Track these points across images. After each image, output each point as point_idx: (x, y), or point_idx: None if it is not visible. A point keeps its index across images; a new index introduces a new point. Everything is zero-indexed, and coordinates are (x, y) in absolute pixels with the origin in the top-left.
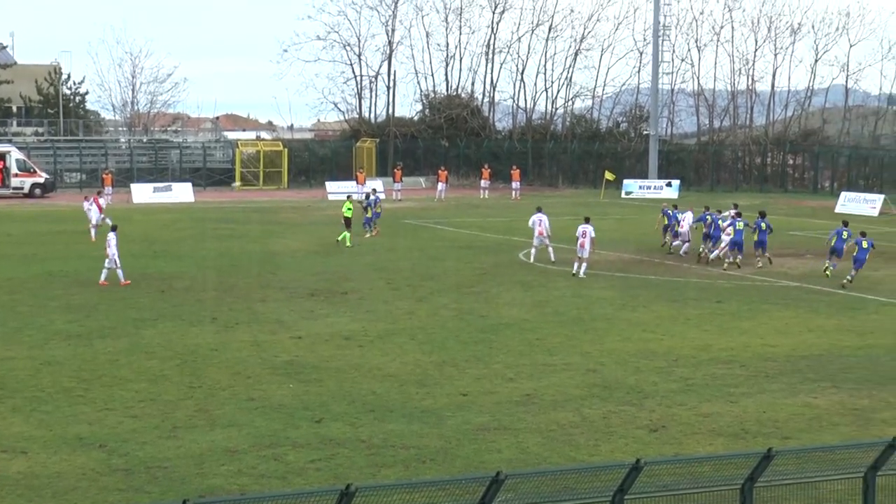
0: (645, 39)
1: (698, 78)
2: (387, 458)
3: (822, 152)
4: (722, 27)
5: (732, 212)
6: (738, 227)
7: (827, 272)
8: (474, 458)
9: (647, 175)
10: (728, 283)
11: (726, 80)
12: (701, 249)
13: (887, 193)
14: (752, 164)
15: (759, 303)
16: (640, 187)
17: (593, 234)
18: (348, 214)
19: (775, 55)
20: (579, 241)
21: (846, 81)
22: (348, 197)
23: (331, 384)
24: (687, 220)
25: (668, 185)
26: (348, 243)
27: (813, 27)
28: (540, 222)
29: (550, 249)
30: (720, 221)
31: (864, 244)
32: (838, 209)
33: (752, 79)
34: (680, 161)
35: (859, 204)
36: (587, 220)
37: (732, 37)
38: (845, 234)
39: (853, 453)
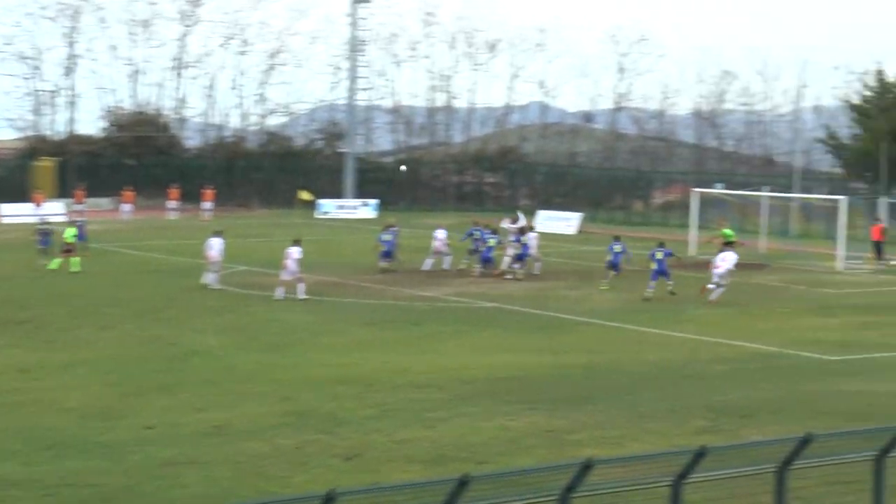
0: (341, 54)
1: (396, 94)
2: (64, 499)
3: (519, 170)
4: (419, 42)
5: (514, 226)
6: (522, 242)
7: (602, 287)
8: (159, 494)
9: (344, 194)
10: (426, 305)
11: (424, 97)
12: (465, 265)
13: (584, 212)
14: (451, 182)
15: (457, 324)
16: (337, 207)
17: (297, 256)
18: (70, 240)
19: (473, 71)
20: (284, 263)
21: (543, 98)
22: (72, 222)
23: (5, 421)
24: (440, 236)
25: (365, 204)
26: (75, 268)
27: (510, 43)
28: (211, 247)
29: (212, 276)
30: (489, 239)
31: (660, 255)
32: (537, 228)
33: (451, 95)
34: (377, 179)
35: (557, 222)
36: (296, 243)
37: (430, 52)
38: (618, 247)
39: (547, 475)
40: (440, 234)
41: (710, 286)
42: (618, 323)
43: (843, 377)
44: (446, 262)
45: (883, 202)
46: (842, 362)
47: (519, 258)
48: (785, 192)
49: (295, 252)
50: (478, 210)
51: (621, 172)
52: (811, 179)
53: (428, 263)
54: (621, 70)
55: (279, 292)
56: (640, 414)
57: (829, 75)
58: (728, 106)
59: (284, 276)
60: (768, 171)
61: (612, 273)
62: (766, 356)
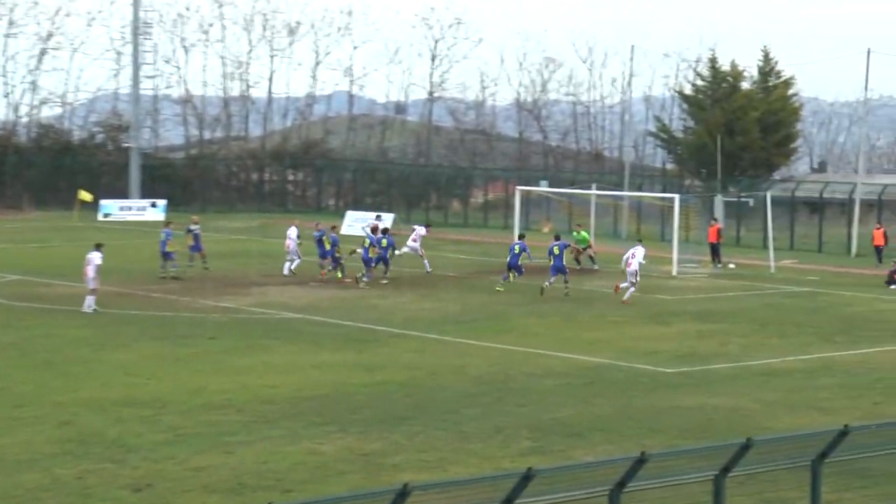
0: (123, 38)
1: (186, 82)
2: None
3: (325, 167)
4: (211, 25)
5: (368, 228)
6: (383, 245)
7: (498, 287)
8: None
9: (129, 194)
10: (224, 317)
11: (218, 86)
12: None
13: (396, 212)
14: (249, 180)
15: (258, 338)
16: (121, 208)
17: (98, 262)
18: None
19: (272, 57)
20: (85, 270)
21: (350, 87)
22: None
23: None
24: (292, 235)
25: (153, 205)
26: None
27: (313, 26)
28: None
29: None
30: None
31: (556, 250)
32: (345, 230)
33: (247, 84)
34: (166, 177)
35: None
36: (97, 247)
37: (223, 36)
38: (517, 248)
39: (361, 502)
40: (293, 232)
41: (624, 285)
42: (437, 334)
43: (680, 390)
44: (294, 265)
45: (719, 201)
46: (678, 374)
47: (371, 262)
48: (615, 190)
49: (96, 258)
50: (281, 211)
51: (437, 169)
52: (643, 176)
53: (287, 267)
54: (435, 57)
55: (88, 302)
56: (463, 434)
57: (660, 63)
58: (552, 96)
59: (92, 285)
60: (597, 167)
61: (512, 274)
62: (597, 369)
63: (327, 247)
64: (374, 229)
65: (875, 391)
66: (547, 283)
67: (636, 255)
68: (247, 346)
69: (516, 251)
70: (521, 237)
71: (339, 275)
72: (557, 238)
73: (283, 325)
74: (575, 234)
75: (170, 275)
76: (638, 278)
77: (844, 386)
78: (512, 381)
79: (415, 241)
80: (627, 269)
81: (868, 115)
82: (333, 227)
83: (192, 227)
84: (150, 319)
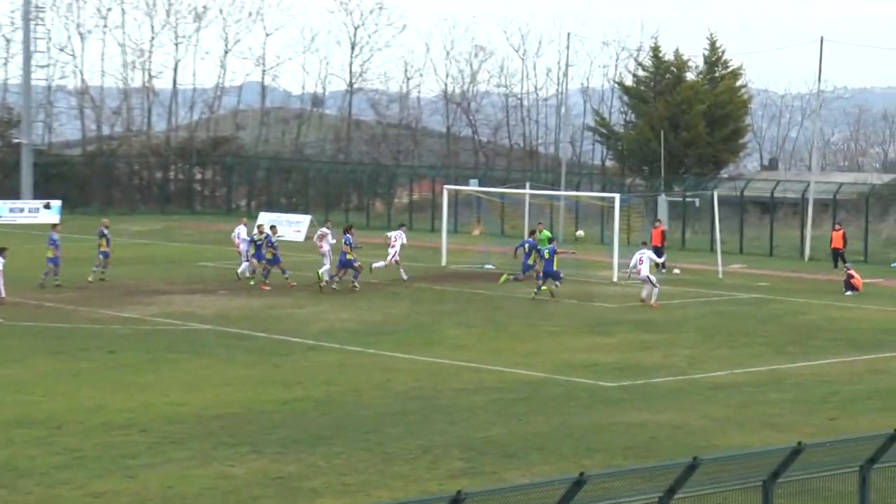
0: (13, 23)
1: (82, 72)
2: None
3: (236, 164)
4: (110, 10)
5: (324, 229)
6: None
7: (502, 280)
8: None
9: (21, 194)
10: (125, 329)
11: (117, 76)
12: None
13: (314, 213)
14: (153, 179)
15: (164, 351)
16: (11, 210)
17: None
18: None
19: (177, 45)
20: None
21: (263, 78)
22: None
23: None
24: (242, 234)
25: (47, 206)
26: None
27: (221, 12)
28: None
29: None
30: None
31: (547, 254)
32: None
33: (150, 74)
34: (61, 176)
35: (282, 227)
36: (1, 252)
37: (123, 22)
38: (527, 246)
39: None
40: (242, 231)
41: (645, 294)
42: (358, 347)
43: (622, 406)
44: (244, 268)
45: (663, 201)
46: (619, 389)
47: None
48: (551, 190)
49: None
50: (188, 213)
51: (358, 167)
52: (581, 174)
53: (245, 267)
54: (355, 45)
55: None
56: (387, 455)
57: (599, 52)
58: (482, 88)
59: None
60: (531, 164)
61: (550, 284)
62: (532, 384)
63: (267, 252)
64: (348, 229)
65: (830, 405)
66: (537, 291)
67: (644, 261)
68: (150, 360)
69: (546, 256)
70: (531, 234)
71: (261, 279)
72: (550, 241)
73: (190, 337)
74: (538, 234)
75: (48, 283)
76: (653, 280)
77: (797, 400)
78: (440, 397)
79: (393, 247)
80: (638, 275)
81: (822, 109)
82: (273, 228)
83: (104, 230)
84: (44, 332)
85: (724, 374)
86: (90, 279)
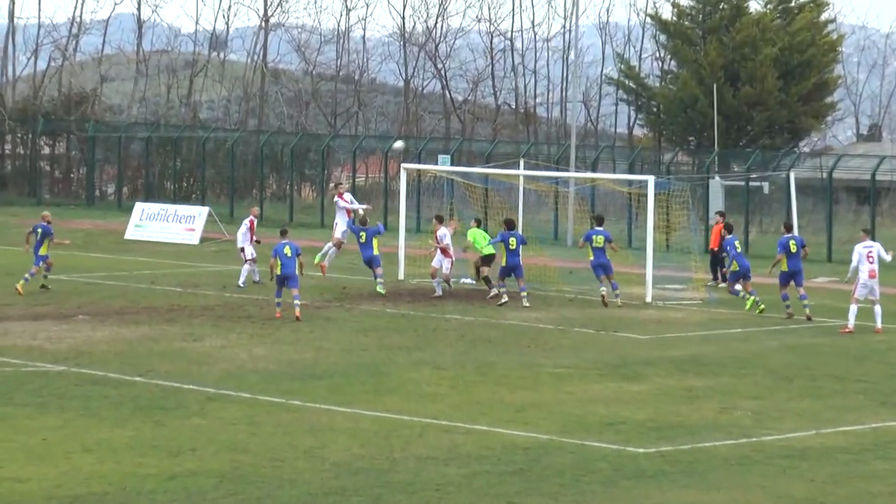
0: None
1: None
2: None
3: (100, 134)
4: None
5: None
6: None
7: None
8: None
9: None
10: None
11: None
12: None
13: (212, 204)
14: None
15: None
16: None
17: None
18: None
19: None
20: None
21: (139, 10)
22: None
23: None
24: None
25: None
26: None
27: None
28: None
29: None
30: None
31: (599, 241)
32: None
33: None
34: None
35: (167, 224)
36: None
37: None
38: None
39: None
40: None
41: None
42: (278, 396)
43: (659, 482)
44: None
45: (717, 186)
46: (656, 457)
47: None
48: (555, 170)
49: None
50: (32, 203)
51: (278, 137)
52: (597, 147)
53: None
54: None
55: None
56: None
57: None
58: (455, 23)
59: None
60: (527, 133)
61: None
62: (529, 450)
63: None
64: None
65: None
66: (601, 290)
67: (874, 257)
68: None
69: (599, 242)
70: (507, 225)
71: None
72: (601, 223)
73: (35, 384)
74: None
75: None
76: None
77: None
78: (397, 469)
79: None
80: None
81: None
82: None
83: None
84: None
85: (805, 435)
86: None
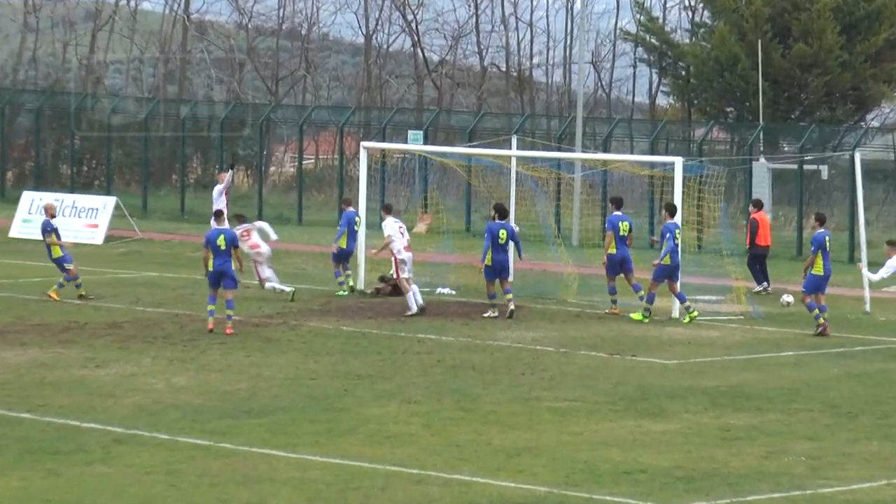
0: None
1: None
2: None
3: None
4: None
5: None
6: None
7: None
8: None
9: None
10: None
11: None
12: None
13: (118, 192)
14: None
15: None
16: None
17: None
18: None
19: None
20: None
21: None
22: None
23: None
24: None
25: None
26: None
27: None
28: None
29: None
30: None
31: (503, 235)
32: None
33: None
34: None
35: (68, 220)
36: None
37: None
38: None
39: None
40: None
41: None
42: (204, 438)
43: None
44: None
45: (762, 169)
46: None
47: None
48: (556, 150)
49: None
50: None
51: (204, 107)
52: (611, 120)
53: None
54: None
55: None
56: None
57: None
58: None
59: None
60: (520, 103)
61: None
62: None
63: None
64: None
65: None
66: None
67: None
68: None
69: (625, 230)
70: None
71: None
72: (504, 216)
73: None
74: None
75: None
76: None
77: None
78: None
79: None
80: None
81: None
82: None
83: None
84: None
85: (874, 486)
86: None
